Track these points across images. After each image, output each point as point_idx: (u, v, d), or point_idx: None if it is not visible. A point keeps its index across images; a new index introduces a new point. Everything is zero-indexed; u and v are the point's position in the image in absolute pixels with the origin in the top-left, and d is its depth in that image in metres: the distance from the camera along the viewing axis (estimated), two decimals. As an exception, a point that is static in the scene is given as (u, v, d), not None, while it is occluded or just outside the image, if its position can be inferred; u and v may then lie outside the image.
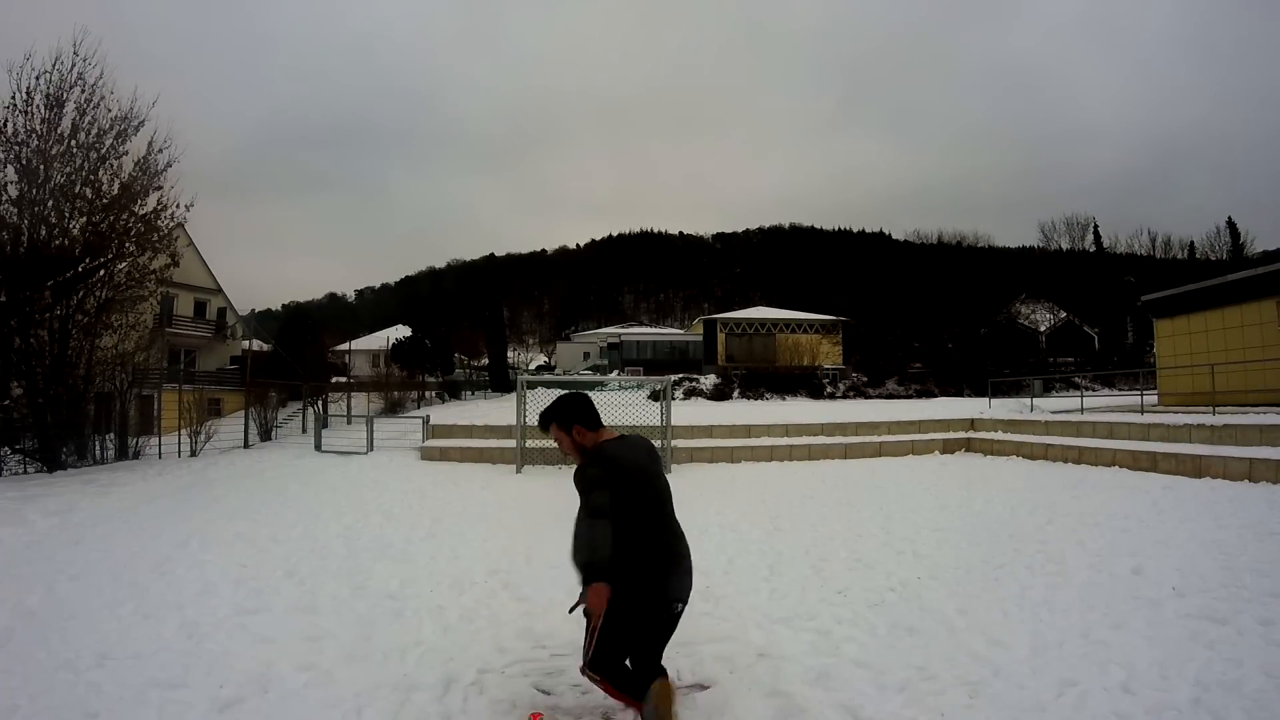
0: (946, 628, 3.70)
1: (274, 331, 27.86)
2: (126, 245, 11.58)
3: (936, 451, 12.54)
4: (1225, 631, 3.42)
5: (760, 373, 30.55)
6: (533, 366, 49.50)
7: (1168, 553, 4.94)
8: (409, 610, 4.14)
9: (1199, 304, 14.85)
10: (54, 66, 10.84)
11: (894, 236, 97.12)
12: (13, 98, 10.53)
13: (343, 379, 24.21)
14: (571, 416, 2.59)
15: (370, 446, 12.48)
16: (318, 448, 12.76)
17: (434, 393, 26.57)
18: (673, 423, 11.79)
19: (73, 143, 10.99)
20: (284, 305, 72.63)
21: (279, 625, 3.87)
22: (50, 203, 10.86)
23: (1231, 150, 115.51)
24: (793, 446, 12.15)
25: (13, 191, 10.65)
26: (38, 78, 10.72)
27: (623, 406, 12.35)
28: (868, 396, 28.51)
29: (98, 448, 11.36)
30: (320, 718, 2.82)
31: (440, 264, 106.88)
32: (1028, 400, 17.34)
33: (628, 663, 2.54)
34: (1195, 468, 8.40)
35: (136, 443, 12.08)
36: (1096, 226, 53.73)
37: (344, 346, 33.08)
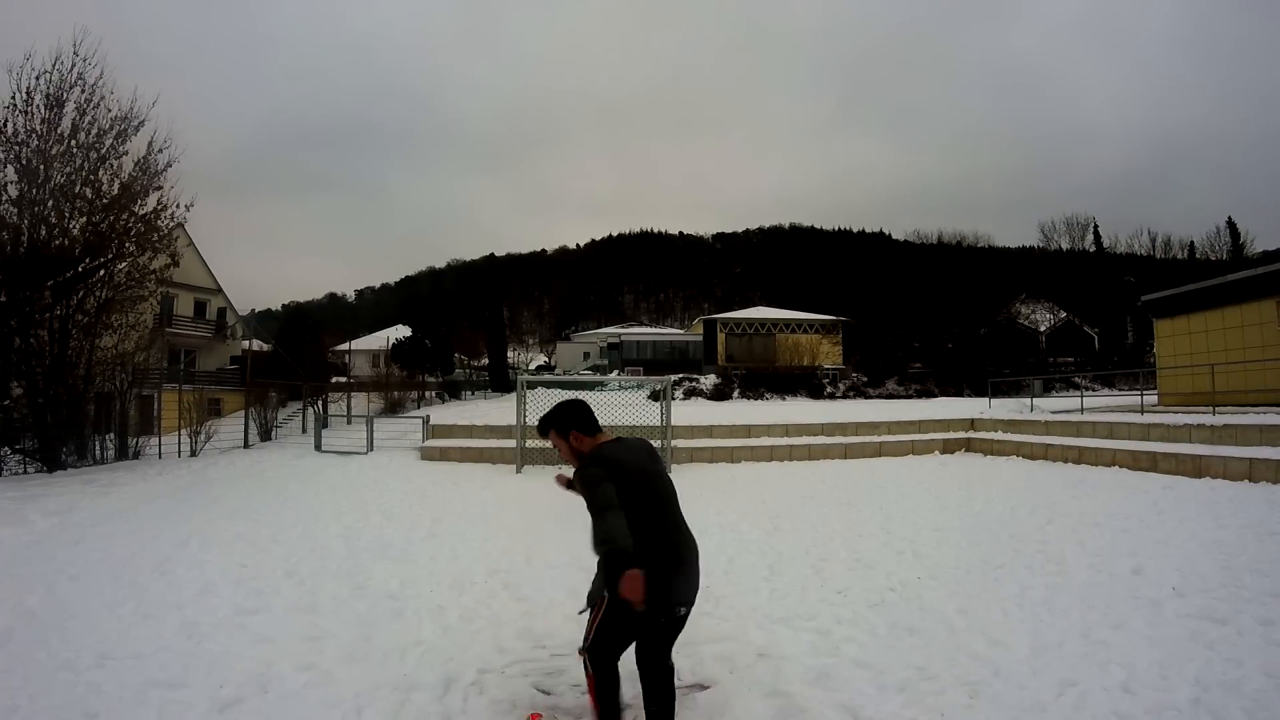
0: (946, 628, 3.70)
1: (274, 331, 27.85)
2: (126, 245, 11.58)
3: (936, 451, 12.54)
4: (1225, 631, 3.42)
5: (760, 373, 30.54)
6: (533, 366, 49.49)
7: (1168, 553, 4.94)
8: (409, 610, 4.14)
9: (1199, 304, 14.85)
10: (54, 66, 10.86)
11: (894, 236, 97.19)
12: (13, 98, 10.55)
13: (343, 379, 24.21)
14: (569, 422, 2.58)
15: (370, 446, 12.48)
16: (318, 448, 12.76)
17: (434, 393, 26.57)
18: (673, 423, 11.79)
19: (73, 143, 10.99)
20: (284, 305, 72.75)
21: (279, 625, 3.87)
22: (50, 203, 10.87)
23: (1231, 150, 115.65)
24: (793, 446, 12.15)
25: (13, 191, 10.65)
26: (38, 78, 10.73)
27: (623, 406, 12.36)
28: (868, 396, 28.50)
29: (98, 448, 11.36)
30: (320, 718, 2.82)
31: (440, 264, 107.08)
32: (1028, 400, 17.33)
33: (636, 665, 2.53)
34: (1195, 468, 8.40)
35: (136, 443, 12.08)
36: (1096, 226, 53.80)
37: (344, 346, 33.07)
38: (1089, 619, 3.70)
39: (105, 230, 11.26)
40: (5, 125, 10.48)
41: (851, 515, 6.97)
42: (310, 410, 16.55)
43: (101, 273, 11.43)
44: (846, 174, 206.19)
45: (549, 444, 2.69)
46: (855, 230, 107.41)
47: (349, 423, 16.13)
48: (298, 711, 2.87)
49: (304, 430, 15.92)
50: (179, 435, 12.74)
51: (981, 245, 67.62)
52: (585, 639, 2.57)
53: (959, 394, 28.68)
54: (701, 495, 7.92)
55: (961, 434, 13.21)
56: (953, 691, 2.95)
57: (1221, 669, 3.00)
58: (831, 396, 28.58)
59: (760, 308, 43.30)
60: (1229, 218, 51.82)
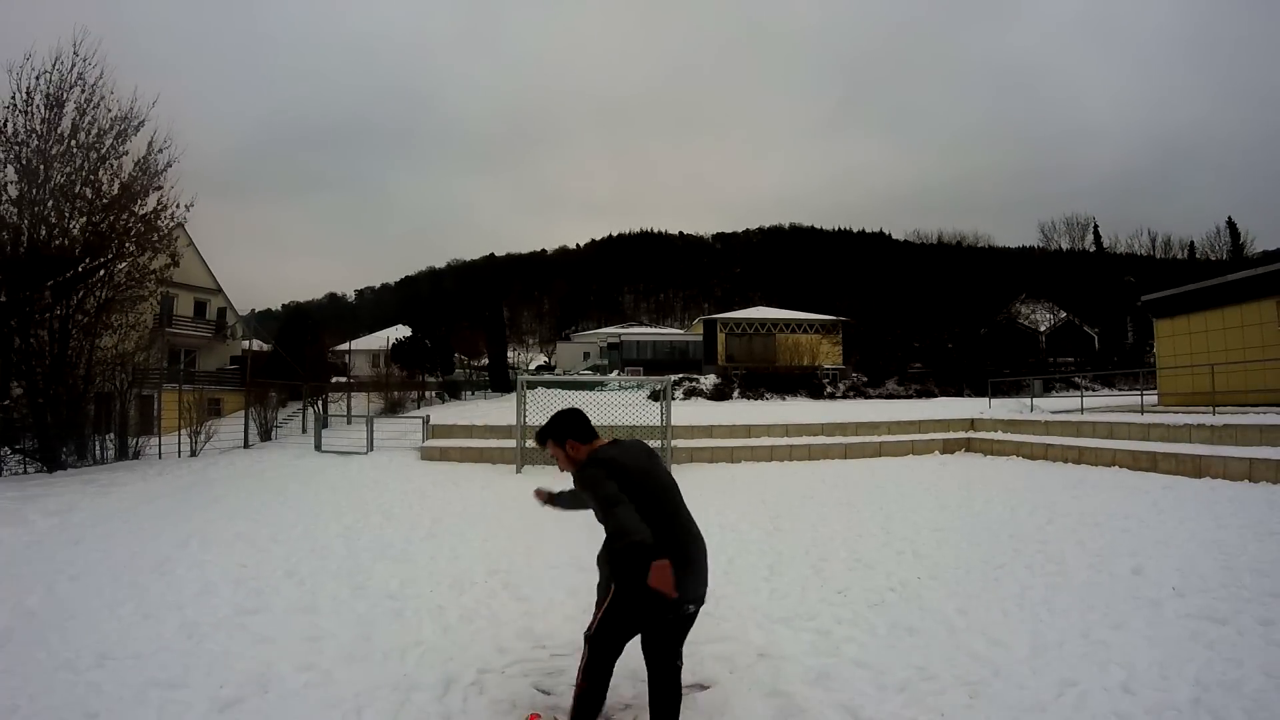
0: (946, 628, 3.70)
1: (274, 331, 27.84)
2: (126, 245, 11.58)
3: (936, 451, 12.54)
4: (1225, 631, 3.43)
5: (760, 373, 30.53)
6: (533, 366, 49.49)
7: (1168, 553, 4.94)
8: (409, 610, 4.14)
9: (1199, 304, 14.85)
10: (54, 66, 10.86)
11: (894, 236, 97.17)
12: (13, 98, 10.55)
13: (343, 379, 24.21)
14: (564, 432, 2.60)
15: (370, 446, 12.48)
16: (318, 448, 12.76)
17: (434, 393, 26.57)
18: (673, 423, 11.79)
19: (73, 143, 10.99)
20: (284, 305, 72.68)
21: (279, 625, 3.87)
22: (50, 203, 10.87)
23: (1231, 150, 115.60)
24: (793, 446, 12.15)
25: (13, 191, 10.66)
26: (38, 78, 10.74)
27: (623, 406, 12.36)
28: (868, 396, 28.50)
29: (98, 448, 11.36)
30: (320, 718, 2.82)
31: (440, 264, 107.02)
32: (1028, 400, 17.33)
33: (644, 662, 2.52)
34: (1195, 468, 8.40)
35: (136, 443, 12.08)
36: (1096, 226, 53.79)
37: (344, 346, 33.07)
38: (1089, 619, 3.70)
39: (105, 230, 11.26)
40: (5, 125, 10.49)
41: (851, 515, 6.98)
42: (310, 410, 16.55)
43: (101, 273, 11.43)
44: (846, 174, 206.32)
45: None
46: (855, 230, 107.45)
47: (349, 423, 16.13)
48: (298, 711, 2.87)
49: (304, 430, 15.92)
50: (179, 435, 12.74)
51: (981, 245, 67.68)
52: (591, 626, 2.58)
53: (959, 394, 28.67)
54: (701, 495, 7.92)
55: (961, 434, 13.20)
56: (953, 691, 2.95)
57: (1221, 669, 3.00)
58: (831, 396, 28.57)
59: (760, 308, 43.29)
60: (1229, 218, 51.87)
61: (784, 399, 27.12)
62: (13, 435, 10.55)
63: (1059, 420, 12.45)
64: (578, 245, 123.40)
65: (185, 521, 6.77)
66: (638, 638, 2.58)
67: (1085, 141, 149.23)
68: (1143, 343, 37.07)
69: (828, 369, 32.16)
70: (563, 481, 2.78)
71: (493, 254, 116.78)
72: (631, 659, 2.74)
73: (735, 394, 27.57)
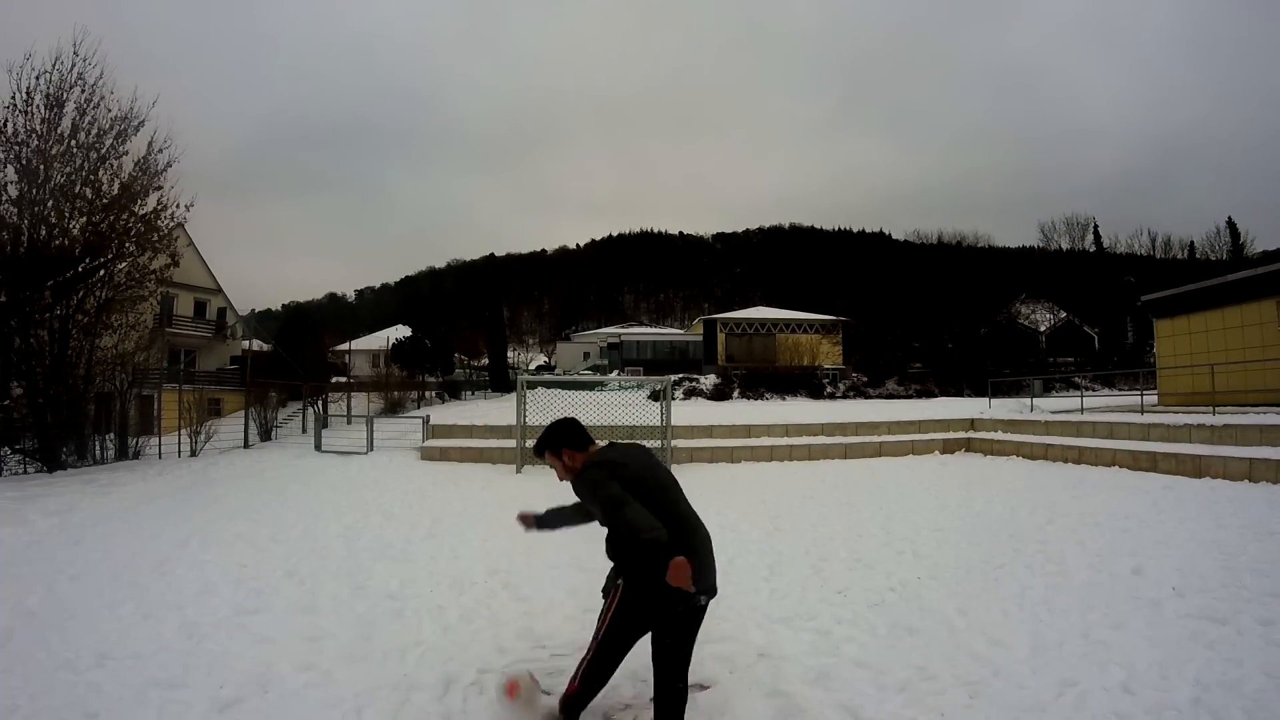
0: (946, 628, 3.70)
1: (274, 331, 27.84)
2: (126, 245, 11.58)
3: (936, 451, 12.54)
4: (1225, 631, 3.43)
5: (760, 373, 30.53)
6: (533, 366, 49.49)
7: (1168, 553, 4.94)
8: (409, 610, 4.14)
9: (1199, 304, 14.85)
10: (54, 66, 10.86)
11: (894, 236, 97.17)
12: (13, 98, 10.55)
13: (343, 379, 24.21)
14: (559, 441, 2.60)
15: (370, 446, 12.48)
16: (318, 448, 12.76)
17: (434, 393, 26.57)
18: (673, 423, 11.79)
19: (73, 143, 10.99)
20: (284, 305, 72.66)
21: (279, 625, 3.87)
22: (50, 203, 10.87)
23: (1231, 150, 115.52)
24: (793, 446, 12.15)
25: (13, 191, 10.65)
26: (38, 78, 10.73)
27: (623, 406, 12.37)
28: (868, 396, 28.50)
29: (98, 448, 11.36)
30: (320, 718, 2.82)
31: (440, 264, 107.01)
32: (1028, 400, 17.33)
33: (652, 660, 2.51)
34: (1195, 468, 8.40)
35: (136, 443, 12.08)
36: (1096, 226, 53.79)
37: (344, 346, 33.06)
38: (1089, 619, 3.70)
39: (105, 230, 11.26)
40: (5, 125, 10.49)
41: (851, 515, 6.98)
42: (310, 410, 16.55)
43: (101, 273, 11.43)
44: (846, 174, 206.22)
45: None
46: (855, 230, 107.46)
47: (349, 423, 16.13)
48: (298, 711, 2.87)
49: (304, 430, 15.92)
50: (179, 435, 12.74)
51: (981, 245, 67.69)
52: (597, 634, 2.55)
53: (959, 394, 28.67)
54: (701, 495, 7.85)
55: (961, 434, 13.20)
56: (953, 691, 2.95)
57: (1221, 669, 3.00)
58: (831, 396, 28.57)
59: (760, 308, 43.30)
60: (1229, 218, 51.86)
61: (784, 399, 27.12)
62: (13, 435, 10.55)
63: (1059, 420, 12.45)
64: (578, 245, 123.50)
65: (185, 521, 6.77)
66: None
67: (1085, 141, 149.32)
68: (1143, 343, 37.07)
69: (828, 369, 32.16)
70: (553, 494, 2.78)
71: (493, 254, 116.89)
72: (631, 659, 2.74)
73: (735, 394, 27.56)
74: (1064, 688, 2.92)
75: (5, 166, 10.56)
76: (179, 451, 12.27)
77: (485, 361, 35.89)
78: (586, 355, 50.74)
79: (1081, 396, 16.11)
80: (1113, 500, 7.17)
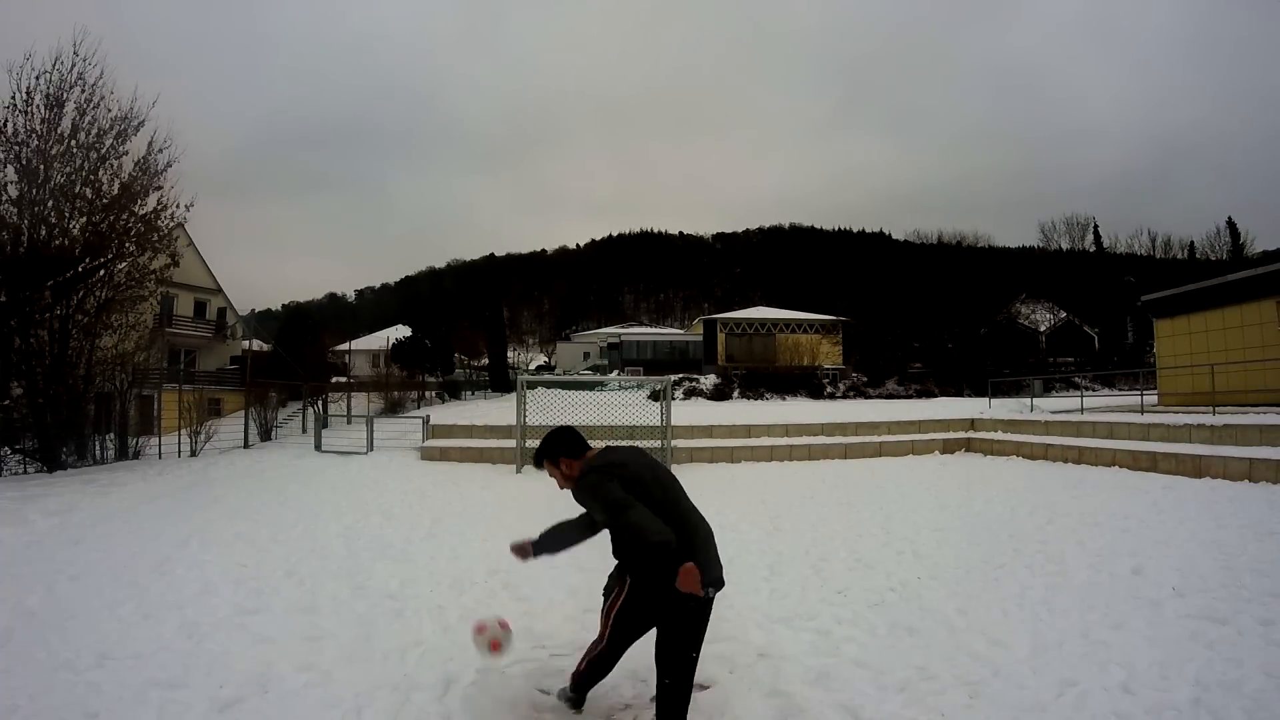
0: (946, 628, 3.70)
1: (274, 331, 27.85)
2: (126, 245, 11.58)
3: (936, 451, 12.54)
4: (1225, 631, 3.43)
5: (760, 373, 30.54)
6: (533, 366, 49.50)
7: (1168, 553, 4.94)
8: (409, 610, 4.14)
9: (1199, 304, 14.85)
10: (54, 66, 10.86)
11: (894, 236, 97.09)
12: (13, 98, 10.55)
13: (343, 379, 24.22)
14: (556, 450, 2.61)
15: (370, 446, 12.48)
16: (318, 448, 12.76)
17: (434, 393, 26.58)
18: (673, 423, 11.79)
19: (73, 143, 11.00)
20: (284, 305, 72.63)
21: (279, 625, 3.87)
22: (50, 203, 10.87)
23: (1231, 150, 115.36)
24: (793, 446, 12.15)
25: (13, 191, 10.66)
26: (38, 78, 10.74)
27: (623, 406, 12.37)
28: (868, 396, 28.50)
29: (98, 448, 11.36)
30: (320, 718, 2.82)
31: (440, 264, 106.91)
32: (1028, 400, 17.34)
33: (655, 659, 2.52)
34: (1195, 468, 8.40)
35: (136, 443, 12.08)
36: (1096, 226, 53.77)
37: (344, 346, 33.07)
38: (1089, 619, 3.70)
39: (105, 230, 11.26)
40: (5, 125, 10.49)
41: (851, 515, 6.98)
42: (310, 410, 16.56)
43: (101, 273, 11.43)
44: (846, 174, 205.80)
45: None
46: (855, 230, 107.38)
47: (349, 423, 16.13)
48: (298, 711, 2.86)
49: (304, 430, 15.92)
50: (179, 435, 12.74)
51: (981, 245, 67.66)
52: (602, 634, 2.61)
53: (959, 394, 28.67)
54: (701, 495, 7.83)
55: (961, 434, 13.21)
56: (953, 691, 2.95)
57: (1221, 669, 3.00)
58: (831, 396, 28.58)
59: (760, 308, 43.30)
60: (1229, 218, 51.83)
61: (784, 399, 27.12)
62: (13, 435, 10.55)
63: (1059, 420, 12.45)
64: (578, 245, 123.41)
65: (185, 521, 6.77)
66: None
67: (1085, 141, 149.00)
68: (1143, 343, 37.07)
69: (828, 369, 32.17)
70: (552, 494, 2.78)
71: (493, 254, 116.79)
72: (632, 658, 2.75)
73: (735, 394, 27.57)
74: (1064, 688, 2.92)
75: (5, 166, 10.57)
76: (179, 451, 12.28)
77: (485, 361, 35.90)
78: (586, 355, 50.74)
79: (1081, 396, 16.11)
80: (1113, 500, 7.17)
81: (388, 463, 11.25)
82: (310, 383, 19.11)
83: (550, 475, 2.68)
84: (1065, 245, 54.72)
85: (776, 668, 3.25)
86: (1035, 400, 17.43)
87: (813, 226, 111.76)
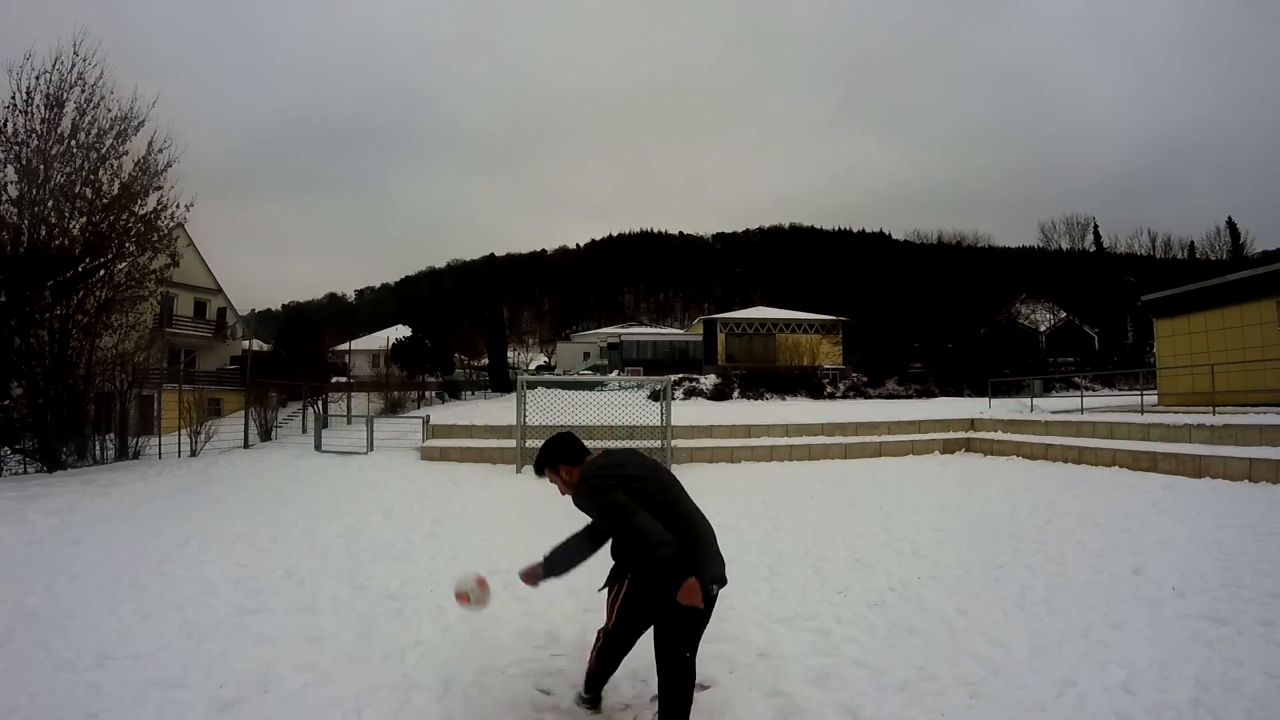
0: (946, 628, 3.70)
1: (274, 331, 27.85)
2: (126, 245, 11.58)
3: (936, 451, 12.54)
4: (1225, 631, 3.43)
5: (760, 373, 30.54)
6: (533, 366, 49.51)
7: (1168, 553, 4.94)
8: (409, 610, 4.14)
9: (1199, 304, 14.85)
10: (54, 66, 10.86)
11: (894, 236, 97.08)
12: (13, 98, 10.54)
13: (343, 379, 24.21)
14: (554, 458, 2.62)
15: (370, 446, 12.48)
16: (318, 448, 12.76)
17: (434, 393, 26.57)
18: (673, 423, 11.78)
19: (73, 143, 10.99)
20: (284, 305, 72.64)
21: (279, 625, 3.87)
22: (50, 203, 10.87)
23: (1231, 150, 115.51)
24: (793, 446, 12.15)
25: (13, 191, 10.65)
26: (38, 78, 10.73)
27: (622, 406, 12.36)
28: (868, 396, 28.50)
29: (98, 448, 11.36)
30: (320, 718, 2.82)
31: (440, 264, 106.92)
32: (1028, 400, 17.33)
33: (655, 658, 2.53)
34: (1195, 468, 8.40)
35: (136, 443, 12.08)
36: (1096, 226, 53.74)
37: (344, 346, 33.05)
38: (1089, 619, 3.70)
39: (105, 230, 11.26)
40: (5, 125, 10.48)
41: (851, 515, 6.98)
42: (310, 410, 16.55)
43: (101, 273, 11.43)
44: (846, 174, 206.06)
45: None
46: (855, 230, 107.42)
47: (349, 423, 16.13)
48: (298, 711, 2.86)
49: (304, 430, 15.92)
50: (179, 435, 12.74)
51: (981, 245, 67.54)
52: (608, 622, 2.66)
53: (959, 394, 28.67)
54: (701, 495, 7.83)
55: (961, 434, 13.20)
56: (953, 691, 2.95)
57: (1221, 669, 3.00)
58: (831, 396, 28.57)
59: (760, 308, 43.29)
60: (1229, 218, 51.78)
61: (784, 399, 27.12)
62: (13, 435, 10.55)
63: (1059, 420, 12.44)
64: (578, 245, 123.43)
65: (185, 521, 6.77)
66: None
67: (1085, 141, 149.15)
68: (1143, 343, 37.07)
69: (828, 369, 32.17)
70: (553, 494, 2.78)
71: (493, 254, 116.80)
72: (633, 657, 2.75)
73: (735, 394, 27.56)
74: (1064, 688, 2.92)
75: (5, 166, 10.57)
76: (179, 451, 12.27)
77: (485, 361, 35.89)
78: (586, 355, 50.73)
79: (1081, 396, 16.11)
80: (1113, 500, 7.17)
81: (388, 463, 11.25)
82: (310, 383, 19.10)
83: (551, 482, 2.69)
84: (1065, 245, 54.73)
85: (776, 668, 3.25)
86: (1035, 400, 17.42)
87: (813, 226, 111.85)
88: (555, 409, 11.69)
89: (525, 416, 11.25)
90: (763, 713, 2.84)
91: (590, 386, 22.30)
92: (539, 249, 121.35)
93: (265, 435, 14.63)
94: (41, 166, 10.71)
